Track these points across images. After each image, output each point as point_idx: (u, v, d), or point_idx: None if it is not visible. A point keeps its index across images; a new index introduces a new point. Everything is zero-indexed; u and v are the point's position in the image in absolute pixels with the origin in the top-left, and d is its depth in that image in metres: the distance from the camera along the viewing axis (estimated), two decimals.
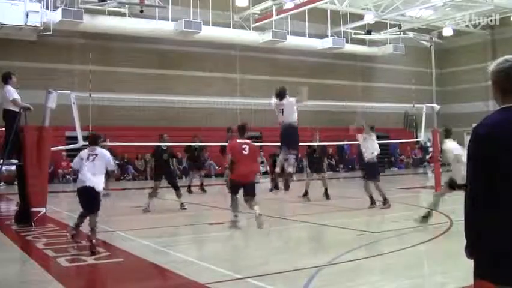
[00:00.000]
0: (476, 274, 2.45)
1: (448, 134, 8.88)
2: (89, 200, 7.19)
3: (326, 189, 13.07)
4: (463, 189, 6.54)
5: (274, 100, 9.61)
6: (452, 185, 8.27)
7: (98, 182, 7.16)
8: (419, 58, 31.58)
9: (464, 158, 2.56)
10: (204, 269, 5.83)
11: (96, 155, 7.40)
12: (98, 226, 8.85)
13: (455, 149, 8.25)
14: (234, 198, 8.64)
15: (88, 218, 7.26)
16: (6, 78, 9.42)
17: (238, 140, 8.74)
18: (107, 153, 7.57)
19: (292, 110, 9.38)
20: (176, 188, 11.60)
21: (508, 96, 2.48)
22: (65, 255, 6.54)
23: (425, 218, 8.48)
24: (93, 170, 7.20)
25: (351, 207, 11.66)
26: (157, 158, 12.01)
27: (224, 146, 11.63)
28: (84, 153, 7.44)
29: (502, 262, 2.34)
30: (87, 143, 8.03)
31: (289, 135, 9.52)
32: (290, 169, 9.70)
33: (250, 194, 8.53)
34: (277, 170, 10.12)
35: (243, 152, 8.53)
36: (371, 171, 11.37)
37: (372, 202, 11.13)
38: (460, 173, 7.63)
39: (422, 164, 30.45)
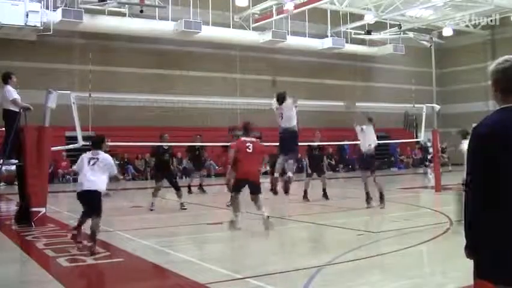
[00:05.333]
0: (476, 274, 2.45)
1: (465, 136, 8.86)
2: (89, 203, 7.01)
3: (324, 190, 13.05)
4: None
5: (275, 104, 9.80)
6: None
7: (97, 184, 6.93)
8: (419, 58, 31.58)
9: None
10: (204, 269, 5.83)
11: (97, 159, 7.17)
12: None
13: None
14: (236, 197, 8.65)
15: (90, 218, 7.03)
16: (6, 78, 9.43)
17: (243, 139, 8.71)
18: (109, 158, 7.31)
19: (291, 114, 9.54)
20: (177, 188, 11.60)
21: (508, 96, 2.48)
22: (65, 255, 6.54)
23: None
24: (92, 175, 6.98)
25: (351, 207, 11.65)
26: (157, 159, 11.98)
27: (226, 146, 11.74)
28: (86, 156, 7.22)
29: (502, 262, 2.34)
30: (90, 144, 7.73)
31: (287, 141, 9.63)
32: (290, 173, 9.83)
33: (255, 192, 8.56)
34: (276, 174, 9.89)
35: (247, 150, 8.52)
36: (366, 163, 11.39)
37: (368, 199, 11.20)
38: None
39: (422, 164, 30.42)
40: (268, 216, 8.37)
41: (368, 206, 11.07)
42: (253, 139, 8.80)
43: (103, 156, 7.23)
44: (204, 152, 15.69)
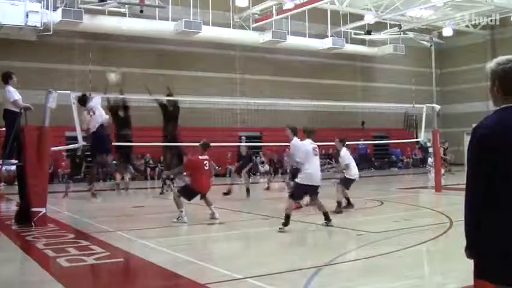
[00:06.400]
0: (476, 274, 2.45)
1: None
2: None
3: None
4: None
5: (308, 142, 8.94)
6: None
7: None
8: (419, 58, 31.61)
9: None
10: (204, 269, 5.83)
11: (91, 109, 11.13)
12: (98, 227, 8.85)
13: None
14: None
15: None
16: (7, 78, 9.41)
17: (200, 157, 9.78)
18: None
19: None
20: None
21: (509, 96, 2.48)
22: (65, 255, 6.54)
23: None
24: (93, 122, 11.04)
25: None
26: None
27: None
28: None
29: (502, 262, 2.34)
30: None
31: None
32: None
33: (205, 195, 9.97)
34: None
35: (205, 167, 9.73)
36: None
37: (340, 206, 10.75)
38: None
39: (423, 165, 30.44)
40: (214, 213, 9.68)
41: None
42: (207, 157, 9.95)
43: (91, 105, 11.28)
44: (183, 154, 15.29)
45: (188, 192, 9.90)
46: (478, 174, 2.42)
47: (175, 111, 14.00)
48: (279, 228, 8.27)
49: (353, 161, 11.25)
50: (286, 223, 8.34)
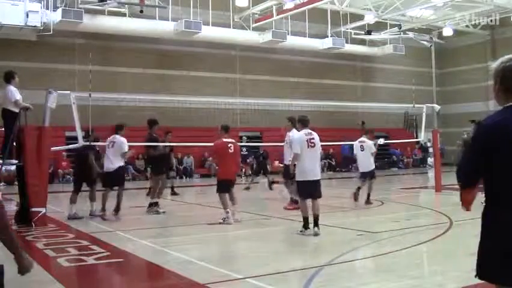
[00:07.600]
0: (477, 274, 2.45)
1: None
2: (112, 179, 9.92)
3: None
4: None
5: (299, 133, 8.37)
6: None
7: (114, 167, 9.81)
8: (419, 58, 31.56)
9: None
10: (204, 269, 5.83)
11: (114, 142, 9.94)
12: (98, 227, 8.86)
13: None
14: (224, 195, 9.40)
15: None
16: (9, 78, 9.40)
17: (224, 140, 9.31)
18: (121, 139, 9.95)
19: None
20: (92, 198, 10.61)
21: (510, 94, 2.47)
22: (65, 255, 6.54)
23: None
24: (112, 156, 9.81)
25: (351, 207, 11.66)
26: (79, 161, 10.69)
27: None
28: (108, 140, 10.10)
29: (502, 262, 2.34)
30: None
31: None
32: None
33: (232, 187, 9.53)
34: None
35: (229, 150, 9.19)
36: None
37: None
38: None
39: (423, 165, 30.44)
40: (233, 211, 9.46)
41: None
42: (233, 140, 9.47)
43: (118, 138, 9.97)
44: (172, 153, 14.47)
45: (220, 185, 9.40)
46: (479, 172, 2.43)
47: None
48: (300, 231, 7.96)
49: (361, 153, 12.01)
50: (304, 225, 7.97)
